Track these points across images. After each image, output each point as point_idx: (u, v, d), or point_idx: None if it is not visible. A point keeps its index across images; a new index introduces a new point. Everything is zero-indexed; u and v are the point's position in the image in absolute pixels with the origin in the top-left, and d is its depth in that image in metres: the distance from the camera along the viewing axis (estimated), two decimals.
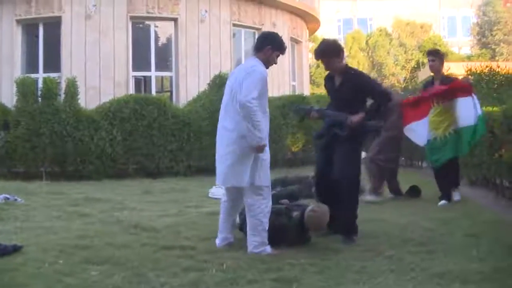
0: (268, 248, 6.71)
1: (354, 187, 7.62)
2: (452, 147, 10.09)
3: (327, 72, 8.08)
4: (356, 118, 7.44)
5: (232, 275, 5.58)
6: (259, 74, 6.93)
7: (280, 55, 7.38)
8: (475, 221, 8.31)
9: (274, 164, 17.05)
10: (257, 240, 6.71)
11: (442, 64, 10.63)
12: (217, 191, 10.71)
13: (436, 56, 10.65)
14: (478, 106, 9.77)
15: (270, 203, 6.92)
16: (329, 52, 7.78)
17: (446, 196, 10.34)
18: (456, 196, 10.48)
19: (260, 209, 6.79)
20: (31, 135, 15.76)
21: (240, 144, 6.77)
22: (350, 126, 7.45)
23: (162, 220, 8.93)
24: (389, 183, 11.60)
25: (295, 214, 7.39)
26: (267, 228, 6.80)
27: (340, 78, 7.74)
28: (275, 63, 7.43)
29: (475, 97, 9.85)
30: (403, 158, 18.14)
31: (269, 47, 7.23)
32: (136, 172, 16.42)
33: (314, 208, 7.25)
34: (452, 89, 9.94)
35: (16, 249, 6.63)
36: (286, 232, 7.11)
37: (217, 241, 7.24)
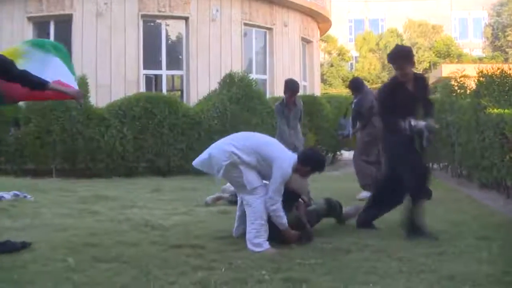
0: (267, 245, 6.74)
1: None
2: None
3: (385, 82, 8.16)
4: (432, 122, 7.54)
5: (242, 275, 5.56)
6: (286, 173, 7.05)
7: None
8: (485, 223, 8.26)
9: None
10: (257, 239, 6.77)
11: None
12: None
13: None
14: None
15: (261, 198, 6.99)
16: (406, 57, 7.69)
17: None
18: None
19: (257, 207, 6.89)
20: (41, 132, 15.79)
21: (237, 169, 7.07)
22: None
23: (171, 218, 8.91)
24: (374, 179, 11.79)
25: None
26: (266, 226, 6.88)
27: (412, 83, 7.68)
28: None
29: None
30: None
31: (309, 168, 7.34)
32: (146, 170, 16.44)
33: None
34: None
35: (24, 246, 6.64)
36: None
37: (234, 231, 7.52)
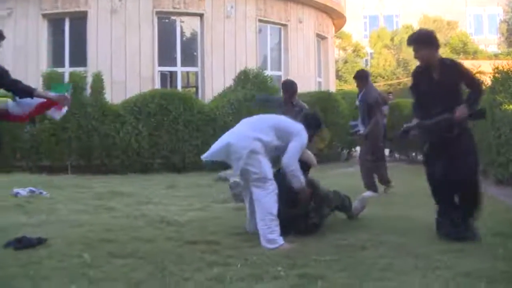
0: (281, 241, 6.72)
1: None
2: None
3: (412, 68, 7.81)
4: (459, 112, 6.90)
5: (257, 271, 5.54)
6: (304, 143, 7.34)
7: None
8: (501, 220, 8.21)
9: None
10: (270, 235, 6.76)
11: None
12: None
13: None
14: None
15: (275, 195, 6.97)
16: (422, 40, 7.30)
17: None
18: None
19: (267, 202, 6.90)
20: (57, 129, 15.84)
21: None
22: (459, 123, 6.99)
23: (187, 214, 8.91)
24: (378, 176, 11.95)
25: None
26: (277, 221, 6.86)
27: (438, 70, 7.21)
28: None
29: None
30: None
31: (311, 132, 7.75)
32: (161, 167, 16.47)
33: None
34: None
35: (40, 242, 6.66)
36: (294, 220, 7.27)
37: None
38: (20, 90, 6.79)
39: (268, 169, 7.00)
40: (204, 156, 7.36)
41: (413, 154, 20.52)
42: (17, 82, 6.73)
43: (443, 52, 51.12)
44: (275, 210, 6.86)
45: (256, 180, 6.97)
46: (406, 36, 29.50)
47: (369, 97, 11.62)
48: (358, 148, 21.43)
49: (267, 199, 6.89)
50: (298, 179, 7.18)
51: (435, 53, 7.26)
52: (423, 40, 7.28)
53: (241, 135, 7.17)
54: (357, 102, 12.04)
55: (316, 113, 9.44)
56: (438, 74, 7.20)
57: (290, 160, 7.11)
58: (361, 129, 11.76)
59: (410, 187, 11.92)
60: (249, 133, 7.13)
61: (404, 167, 18.01)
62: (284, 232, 6.85)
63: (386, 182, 12.02)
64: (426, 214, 8.31)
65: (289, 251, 6.37)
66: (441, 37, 52.97)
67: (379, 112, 11.78)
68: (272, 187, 6.94)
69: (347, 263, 5.85)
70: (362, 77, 12.05)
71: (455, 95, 7.09)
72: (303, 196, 7.34)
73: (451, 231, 7.04)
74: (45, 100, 7.14)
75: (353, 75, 12.72)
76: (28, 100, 6.93)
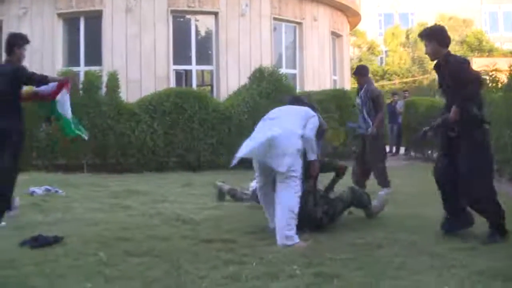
0: (297, 239, 6.74)
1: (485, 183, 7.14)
2: None
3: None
4: (452, 113, 6.97)
5: (273, 269, 5.53)
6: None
7: None
8: None
9: None
10: (288, 232, 6.76)
11: None
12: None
13: None
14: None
15: (299, 196, 6.99)
16: (430, 35, 7.38)
17: None
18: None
19: (291, 200, 6.89)
20: None
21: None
22: (453, 123, 7.03)
23: (202, 213, 8.92)
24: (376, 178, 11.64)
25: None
26: (296, 219, 6.87)
27: (444, 67, 7.29)
28: None
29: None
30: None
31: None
32: (177, 165, 16.49)
33: None
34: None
35: (56, 240, 6.69)
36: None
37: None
38: (37, 81, 8.19)
39: (300, 168, 7.01)
40: (243, 153, 6.93)
41: (429, 152, 20.44)
42: (33, 75, 8.09)
43: (458, 50, 51.03)
44: (296, 209, 6.88)
45: (287, 177, 6.92)
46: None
47: (372, 91, 11.52)
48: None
49: (292, 197, 6.90)
50: (314, 152, 7.30)
51: (441, 49, 7.28)
52: (430, 35, 7.34)
53: (287, 130, 7.07)
54: (357, 100, 11.79)
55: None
56: (444, 71, 7.27)
57: (310, 133, 7.22)
58: (362, 129, 11.54)
59: (424, 186, 11.86)
60: (294, 129, 7.13)
61: (419, 165, 17.94)
62: (298, 227, 6.88)
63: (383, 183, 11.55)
64: (440, 212, 8.28)
65: (305, 250, 6.37)
66: (456, 35, 52.97)
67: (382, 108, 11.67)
68: (298, 187, 6.95)
69: (363, 262, 5.84)
70: (362, 72, 11.86)
71: (458, 93, 7.02)
72: (314, 167, 7.43)
73: (452, 226, 7.30)
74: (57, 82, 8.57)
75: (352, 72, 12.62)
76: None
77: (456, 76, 7.05)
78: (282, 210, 6.87)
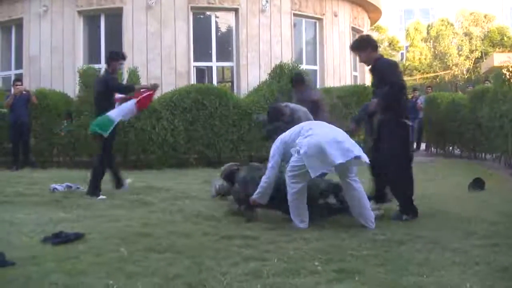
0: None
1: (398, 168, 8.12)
2: None
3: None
4: (370, 105, 8.50)
5: (294, 265, 5.52)
6: None
7: None
8: None
9: None
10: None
11: None
12: None
13: None
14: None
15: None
16: (358, 46, 8.59)
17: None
18: None
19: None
20: None
21: None
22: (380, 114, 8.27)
23: (223, 209, 8.90)
24: None
25: None
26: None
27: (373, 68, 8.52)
28: None
29: None
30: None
31: None
32: (197, 162, 16.52)
33: None
34: None
35: (78, 237, 6.71)
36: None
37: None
38: (122, 90, 10.99)
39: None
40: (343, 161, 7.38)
41: (450, 148, 20.34)
42: (119, 85, 11.11)
43: (480, 46, 50.74)
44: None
45: (355, 175, 7.66)
46: (442, 29, 29.22)
47: (309, 97, 11.84)
48: None
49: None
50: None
51: (371, 54, 8.40)
52: (364, 45, 8.46)
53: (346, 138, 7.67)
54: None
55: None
56: (373, 72, 8.58)
57: None
58: None
59: (445, 182, 11.83)
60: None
61: (441, 161, 17.86)
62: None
63: None
64: (461, 208, 8.26)
65: (325, 246, 6.35)
66: (478, 30, 52.65)
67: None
68: None
69: (385, 258, 5.82)
70: (299, 81, 12.45)
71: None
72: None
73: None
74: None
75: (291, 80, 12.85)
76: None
77: (380, 76, 8.25)
78: (366, 202, 7.67)
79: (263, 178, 7.76)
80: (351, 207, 7.64)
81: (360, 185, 7.61)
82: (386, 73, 8.16)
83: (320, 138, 7.35)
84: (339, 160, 7.19)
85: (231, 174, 9.08)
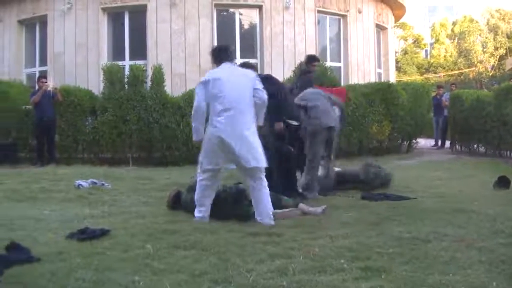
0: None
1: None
2: None
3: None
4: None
5: (319, 263, 5.50)
6: None
7: None
8: None
9: (359, 152, 16.91)
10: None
11: None
12: None
13: None
14: None
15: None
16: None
17: None
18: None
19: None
20: (117, 121, 16.03)
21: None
22: None
23: None
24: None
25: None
26: None
27: None
28: None
29: None
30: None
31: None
32: None
33: None
34: None
35: (103, 233, 6.73)
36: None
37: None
38: None
39: None
40: None
41: (475, 146, 20.21)
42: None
43: (505, 43, 50.36)
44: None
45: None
46: (468, 26, 29.17)
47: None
48: (419, 140, 21.23)
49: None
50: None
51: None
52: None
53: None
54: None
55: None
56: None
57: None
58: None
59: (470, 180, 11.77)
60: None
61: (466, 159, 17.76)
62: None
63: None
64: (486, 207, 8.20)
65: (351, 244, 6.33)
66: (504, 27, 52.31)
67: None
68: None
69: (411, 256, 5.78)
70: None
71: None
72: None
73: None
74: None
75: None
76: None
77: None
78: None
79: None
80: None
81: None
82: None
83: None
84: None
85: (177, 197, 8.87)
